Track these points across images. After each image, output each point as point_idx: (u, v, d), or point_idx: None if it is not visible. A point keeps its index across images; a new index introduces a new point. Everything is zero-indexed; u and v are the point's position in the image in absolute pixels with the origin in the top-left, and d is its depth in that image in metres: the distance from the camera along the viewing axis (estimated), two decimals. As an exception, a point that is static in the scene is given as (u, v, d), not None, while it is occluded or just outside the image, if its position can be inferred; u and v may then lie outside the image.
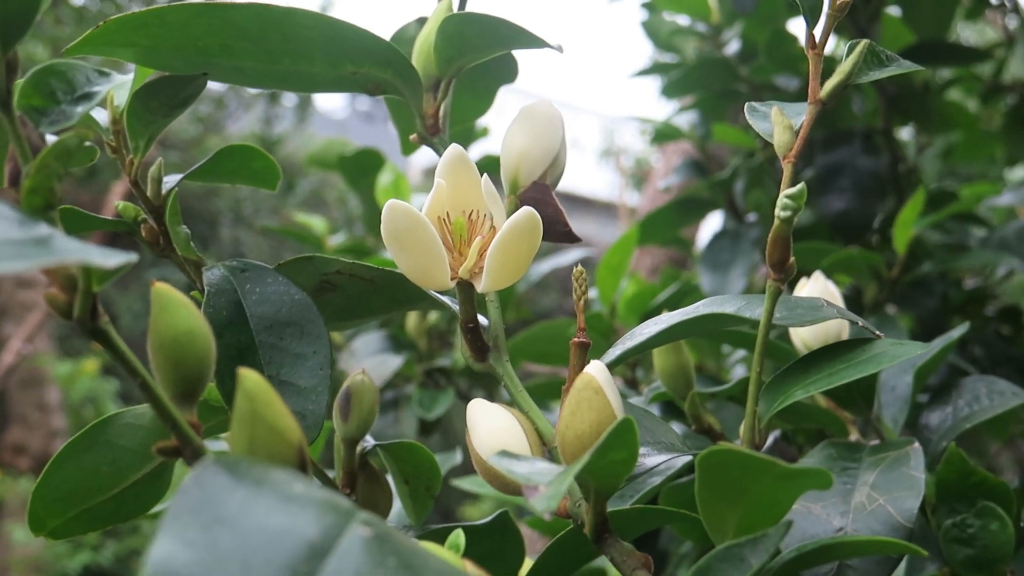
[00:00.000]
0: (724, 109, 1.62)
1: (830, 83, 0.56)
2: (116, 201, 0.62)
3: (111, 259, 0.33)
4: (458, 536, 0.50)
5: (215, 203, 7.14)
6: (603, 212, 8.86)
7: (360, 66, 0.59)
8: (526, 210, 0.51)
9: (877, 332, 0.58)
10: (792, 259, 0.54)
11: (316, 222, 1.59)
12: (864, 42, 0.57)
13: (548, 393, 1.23)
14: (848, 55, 0.57)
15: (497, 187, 0.57)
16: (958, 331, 0.82)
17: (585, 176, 9.55)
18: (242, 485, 0.33)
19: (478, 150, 1.50)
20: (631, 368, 1.26)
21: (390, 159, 1.49)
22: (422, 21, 0.68)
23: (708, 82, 1.57)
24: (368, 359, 1.29)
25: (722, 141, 1.58)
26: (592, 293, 1.36)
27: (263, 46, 0.57)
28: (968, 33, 3.54)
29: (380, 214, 0.52)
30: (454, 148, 0.55)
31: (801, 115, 0.57)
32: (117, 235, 0.63)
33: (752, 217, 1.52)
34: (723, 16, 1.57)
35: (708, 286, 1.39)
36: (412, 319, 1.36)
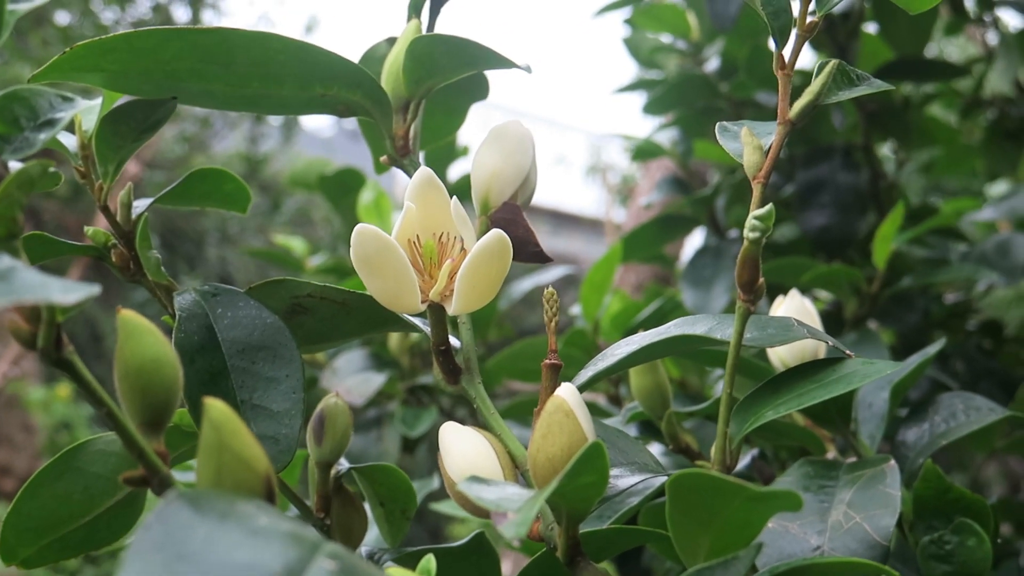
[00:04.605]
0: (705, 126, 1.62)
1: (799, 103, 0.56)
2: (103, 224, 0.62)
3: (71, 295, 0.33)
4: (429, 562, 0.49)
5: (201, 222, 7.12)
6: (590, 229, 8.87)
7: (329, 88, 0.59)
8: (495, 233, 0.51)
9: (848, 352, 0.58)
10: (762, 280, 0.54)
11: (296, 243, 1.59)
12: (833, 62, 0.57)
13: (531, 411, 1.23)
14: (817, 75, 0.57)
15: (470, 205, 0.57)
16: (934, 347, 0.82)
17: (572, 193, 9.56)
18: (206, 519, 0.32)
19: (458, 169, 1.50)
20: (614, 385, 1.25)
21: (376, 177, 1.49)
22: (392, 41, 0.68)
23: (689, 99, 1.57)
24: (351, 377, 1.29)
25: (704, 158, 1.59)
26: (576, 310, 1.36)
27: (232, 70, 0.57)
28: (951, 48, 3.57)
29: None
30: (423, 171, 0.55)
31: (771, 135, 0.57)
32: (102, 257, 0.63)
33: (734, 233, 1.53)
34: (703, 34, 1.57)
35: (691, 302, 1.39)
36: (394, 337, 1.36)
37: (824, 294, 1.39)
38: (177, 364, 0.44)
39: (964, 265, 1.33)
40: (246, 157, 6.77)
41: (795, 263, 1.22)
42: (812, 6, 0.57)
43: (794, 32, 0.57)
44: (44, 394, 5.10)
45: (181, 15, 6.83)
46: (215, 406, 0.39)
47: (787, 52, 0.57)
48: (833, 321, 1.28)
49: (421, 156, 0.67)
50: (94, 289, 0.34)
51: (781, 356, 0.78)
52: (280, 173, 6.76)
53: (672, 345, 0.58)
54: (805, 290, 1.14)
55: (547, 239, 0.62)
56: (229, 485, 0.39)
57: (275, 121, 7.32)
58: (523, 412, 1.23)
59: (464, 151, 1.49)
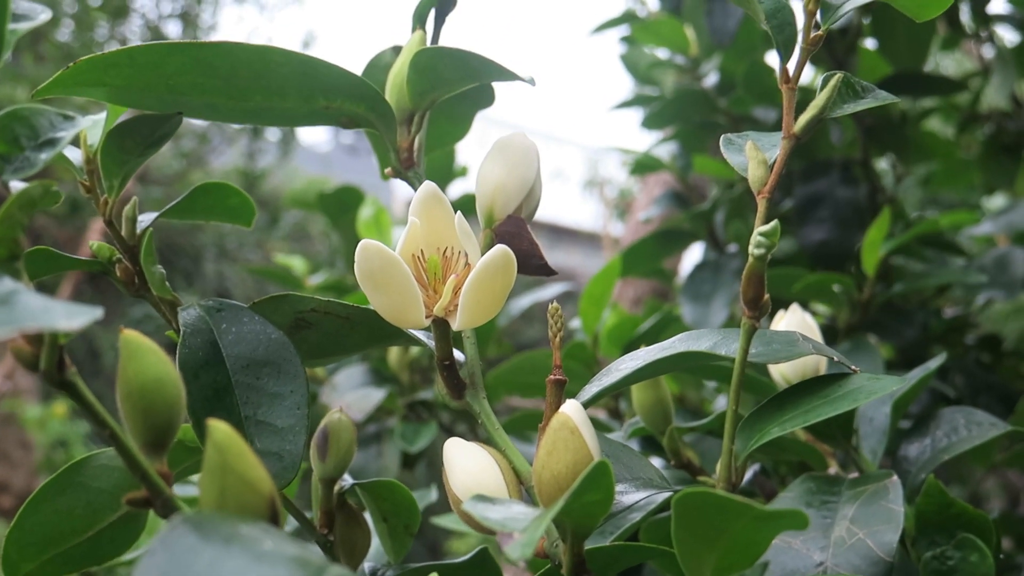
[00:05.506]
0: (704, 141, 1.62)
1: (804, 117, 0.56)
2: (95, 237, 0.62)
3: (75, 320, 0.33)
4: (434, 581, 0.49)
5: (199, 238, 7.11)
6: (587, 243, 8.86)
7: (333, 101, 0.59)
8: (499, 248, 0.51)
9: (853, 367, 0.58)
10: (767, 296, 0.54)
11: (296, 262, 1.58)
12: (839, 75, 0.57)
13: (532, 425, 1.23)
14: (822, 88, 0.57)
15: (472, 220, 0.57)
16: (935, 362, 0.82)
17: (569, 207, 9.56)
18: (210, 544, 0.32)
19: (458, 189, 1.50)
20: (615, 399, 1.25)
21: (374, 191, 1.49)
22: (397, 49, 0.69)
23: (687, 114, 1.57)
24: (350, 393, 1.29)
25: (703, 172, 1.59)
26: (576, 323, 1.36)
27: (235, 83, 0.57)
28: (947, 63, 3.57)
29: (362, 250, 0.52)
30: (428, 186, 0.55)
31: (776, 148, 0.57)
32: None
33: (733, 248, 1.53)
34: (701, 49, 1.58)
35: (690, 317, 1.39)
36: (394, 352, 1.35)
37: (821, 308, 1.39)
38: (180, 384, 0.44)
39: (954, 269, 1.33)
40: (244, 172, 6.76)
41: (786, 274, 1.22)
42: (817, 19, 0.57)
43: (798, 46, 0.57)
44: (41, 412, 5.08)
45: (172, 30, 6.84)
46: (218, 428, 0.39)
47: (791, 66, 0.57)
48: (827, 332, 1.28)
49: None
50: (97, 312, 0.34)
51: (782, 371, 0.78)
52: (278, 188, 6.74)
53: (677, 361, 0.58)
54: (802, 304, 1.14)
55: (545, 253, 0.61)
56: (233, 507, 0.39)
57: (272, 136, 7.31)
58: (523, 427, 1.22)
59: (463, 171, 1.49)
